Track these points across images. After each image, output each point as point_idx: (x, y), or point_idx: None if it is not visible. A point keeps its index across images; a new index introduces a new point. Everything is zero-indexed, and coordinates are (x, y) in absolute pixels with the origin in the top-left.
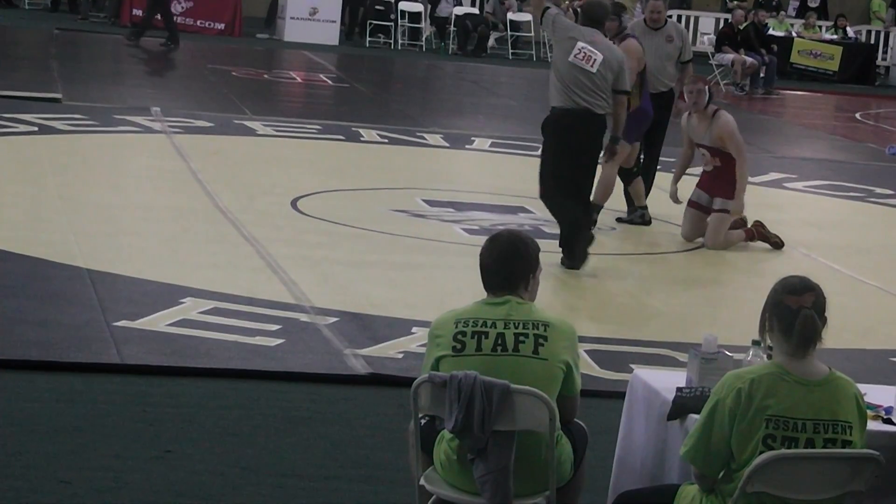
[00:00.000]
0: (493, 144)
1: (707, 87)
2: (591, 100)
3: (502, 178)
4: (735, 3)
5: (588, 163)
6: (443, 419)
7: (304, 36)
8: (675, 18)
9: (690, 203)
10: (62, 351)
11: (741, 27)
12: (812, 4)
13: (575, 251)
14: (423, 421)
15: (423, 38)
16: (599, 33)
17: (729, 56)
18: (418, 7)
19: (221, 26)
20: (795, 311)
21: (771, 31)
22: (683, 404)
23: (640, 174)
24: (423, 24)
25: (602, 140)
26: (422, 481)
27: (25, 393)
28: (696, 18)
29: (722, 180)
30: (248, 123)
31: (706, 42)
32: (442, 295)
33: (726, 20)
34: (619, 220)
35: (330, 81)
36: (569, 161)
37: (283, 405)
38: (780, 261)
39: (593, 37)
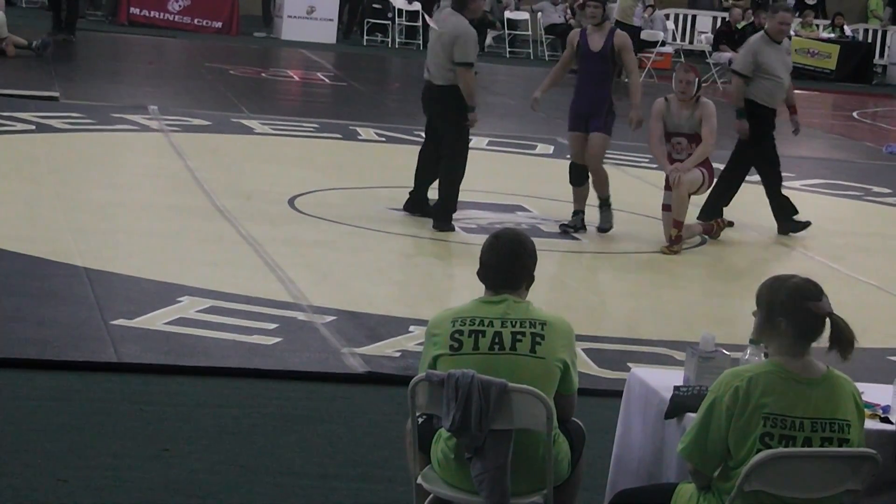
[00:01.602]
0: (490, 143)
1: (698, 79)
2: (434, 71)
3: (500, 176)
4: (731, 2)
5: (442, 132)
6: (440, 418)
7: (302, 34)
8: (673, 17)
9: (665, 208)
10: (59, 349)
11: (739, 27)
12: (810, 2)
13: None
14: (420, 419)
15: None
16: (452, 12)
17: (726, 55)
18: (416, 6)
19: (219, 25)
20: (821, 318)
21: None
22: (681, 403)
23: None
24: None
25: (452, 109)
26: (419, 480)
27: (23, 391)
28: (694, 17)
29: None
30: (245, 122)
31: (703, 41)
32: (439, 293)
33: (723, 19)
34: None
35: (327, 80)
36: (431, 130)
37: (280, 404)
38: (778, 260)
39: (443, 13)
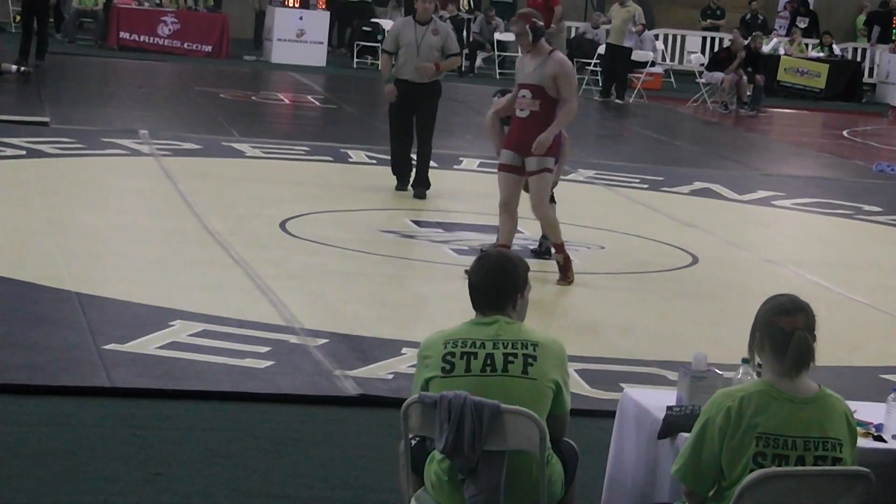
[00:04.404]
0: (481, 164)
1: (529, 27)
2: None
3: (491, 197)
4: (709, 21)
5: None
6: (433, 440)
7: (292, 57)
8: (663, 37)
9: (503, 167)
10: (51, 374)
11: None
12: (801, 25)
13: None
14: (413, 441)
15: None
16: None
17: (718, 75)
18: None
19: (209, 48)
20: (788, 332)
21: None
22: (674, 423)
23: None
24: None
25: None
26: (413, 502)
27: (14, 417)
28: (683, 37)
29: (533, 133)
30: (235, 145)
31: (693, 61)
32: (431, 315)
33: (713, 39)
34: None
35: (317, 102)
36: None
37: (272, 427)
38: (769, 278)
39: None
